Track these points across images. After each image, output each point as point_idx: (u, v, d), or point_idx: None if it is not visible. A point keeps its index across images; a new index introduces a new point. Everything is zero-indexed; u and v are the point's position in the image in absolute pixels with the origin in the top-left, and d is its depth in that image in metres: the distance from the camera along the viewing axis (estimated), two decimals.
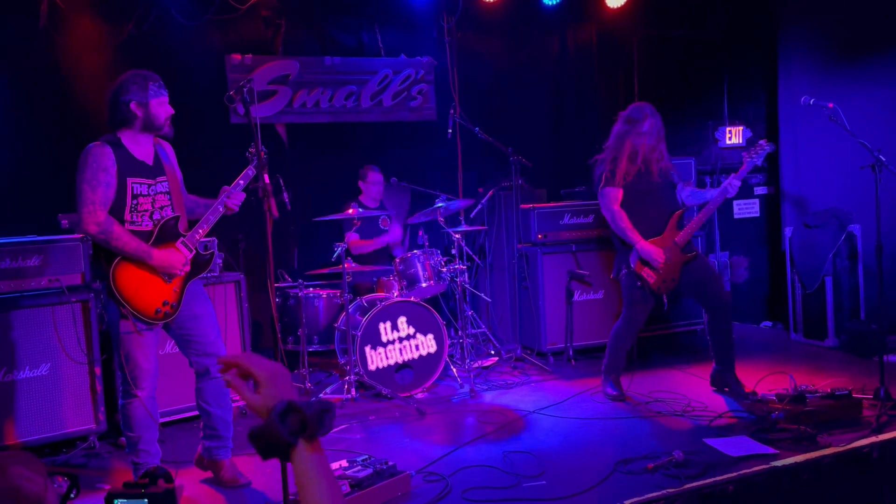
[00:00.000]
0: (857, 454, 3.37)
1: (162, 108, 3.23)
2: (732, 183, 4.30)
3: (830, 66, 5.68)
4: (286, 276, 5.41)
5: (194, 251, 3.35)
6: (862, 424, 3.70)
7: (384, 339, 4.76)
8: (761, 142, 4.34)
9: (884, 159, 4.08)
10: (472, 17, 6.35)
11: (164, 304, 3.24)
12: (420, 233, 5.50)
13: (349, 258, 4.88)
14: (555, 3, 6.33)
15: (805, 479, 3.25)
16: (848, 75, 5.54)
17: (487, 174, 6.29)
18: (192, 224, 3.39)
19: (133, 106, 3.18)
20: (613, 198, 4.40)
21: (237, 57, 5.75)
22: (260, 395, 1.22)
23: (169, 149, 3.44)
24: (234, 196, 3.38)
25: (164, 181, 3.31)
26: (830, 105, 4.19)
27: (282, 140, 5.96)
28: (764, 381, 4.26)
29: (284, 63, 5.91)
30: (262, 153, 3.31)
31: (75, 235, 4.08)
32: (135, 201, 3.20)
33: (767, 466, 3.24)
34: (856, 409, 3.88)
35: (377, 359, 4.73)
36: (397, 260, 5.09)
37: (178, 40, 5.41)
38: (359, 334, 4.65)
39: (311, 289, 5.18)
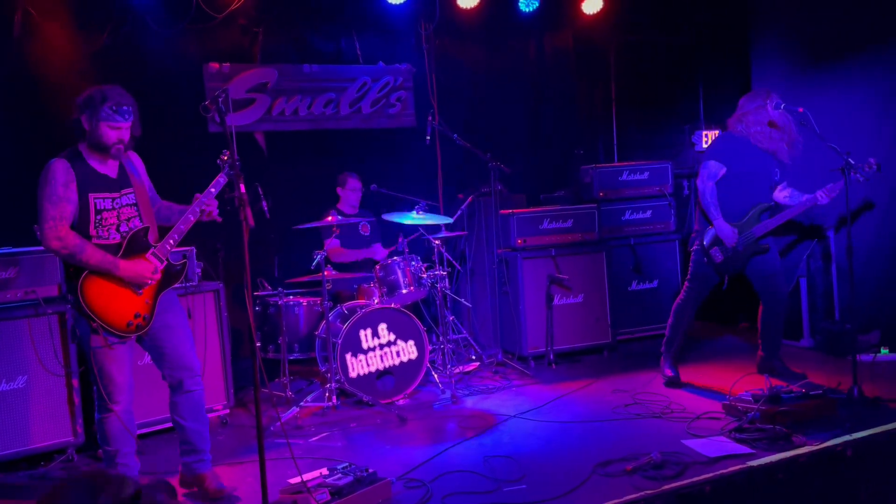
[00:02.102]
0: (832, 453, 3.42)
1: (111, 132, 3.13)
2: (829, 193, 4.41)
3: (802, 69, 5.77)
4: (266, 285, 5.39)
5: (166, 261, 3.30)
6: (836, 423, 3.76)
7: (365, 346, 4.77)
8: (870, 159, 4.30)
9: (853, 162, 4.16)
10: (450, 24, 6.39)
11: (136, 316, 3.20)
12: (400, 239, 5.51)
13: (329, 265, 4.88)
14: (532, 9, 6.39)
15: (781, 479, 3.29)
16: (819, 79, 5.63)
17: (467, 180, 6.31)
18: (164, 234, 3.35)
19: (83, 121, 3.14)
20: (712, 173, 4.57)
21: (215, 65, 5.74)
22: None
23: (136, 159, 3.39)
24: (209, 205, 3.34)
25: (131, 193, 3.26)
26: (800, 110, 4.26)
27: (261, 148, 5.95)
28: (740, 381, 4.31)
29: (263, 71, 5.91)
30: (235, 160, 3.30)
31: None
32: (98, 216, 3.15)
33: (744, 466, 3.28)
34: (830, 408, 3.95)
35: (358, 366, 4.73)
36: (377, 267, 5.09)
37: (155, 49, 5.39)
38: (339, 342, 4.65)
39: (291, 297, 5.17)
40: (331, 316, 4.85)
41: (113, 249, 3.18)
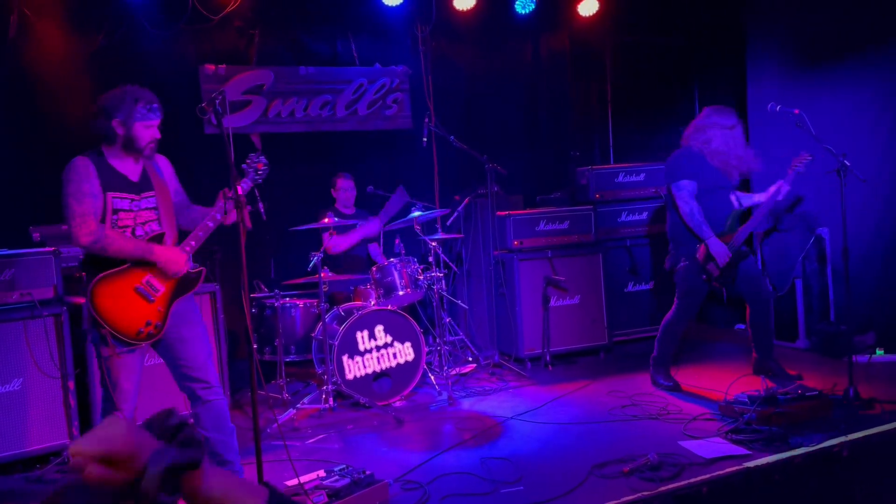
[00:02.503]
0: (828, 453, 3.44)
1: (146, 131, 3.13)
2: (782, 188, 4.57)
3: (797, 71, 5.79)
4: (262, 287, 5.39)
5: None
6: (832, 424, 3.77)
7: (361, 347, 4.76)
8: (803, 152, 4.50)
9: (848, 164, 4.17)
10: (446, 25, 6.40)
11: (147, 324, 3.12)
12: (396, 241, 5.51)
13: (325, 267, 4.87)
14: (528, 11, 6.40)
15: (777, 480, 3.30)
16: (814, 80, 5.65)
17: (463, 181, 6.32)
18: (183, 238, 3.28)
19: (115, 124, 3.09)
20: (691, 191, 4.56)
21: (211, 67, 5.74)
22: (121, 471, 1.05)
23: (164, 163, 3.35)
24: (230, 211, 3.26)
25: (151, 196, 3.22)
26: (796, 111, 4.28)
27: (257, 150, 5.92)
28: (736, 383, 4.32)
29: (259, 73, 5.91)
30: (260, 164, 3.32)
31: (47, 248, 4.04)
32: (115, 216, 3.11)
33: (740, 467, 3.29)
34: (826, 410, 3.96)
35: (355, 368, 4.73)
36: (374, 268, 5.09)
37: (150, 51, 5.39)
38: (336, 343, 4.64)
39: (287, 299, 5.16)
40: (327, 318, 4.85)
41: None
